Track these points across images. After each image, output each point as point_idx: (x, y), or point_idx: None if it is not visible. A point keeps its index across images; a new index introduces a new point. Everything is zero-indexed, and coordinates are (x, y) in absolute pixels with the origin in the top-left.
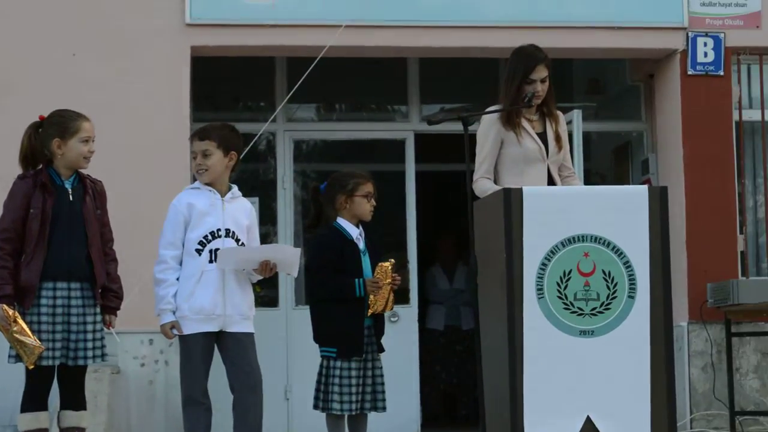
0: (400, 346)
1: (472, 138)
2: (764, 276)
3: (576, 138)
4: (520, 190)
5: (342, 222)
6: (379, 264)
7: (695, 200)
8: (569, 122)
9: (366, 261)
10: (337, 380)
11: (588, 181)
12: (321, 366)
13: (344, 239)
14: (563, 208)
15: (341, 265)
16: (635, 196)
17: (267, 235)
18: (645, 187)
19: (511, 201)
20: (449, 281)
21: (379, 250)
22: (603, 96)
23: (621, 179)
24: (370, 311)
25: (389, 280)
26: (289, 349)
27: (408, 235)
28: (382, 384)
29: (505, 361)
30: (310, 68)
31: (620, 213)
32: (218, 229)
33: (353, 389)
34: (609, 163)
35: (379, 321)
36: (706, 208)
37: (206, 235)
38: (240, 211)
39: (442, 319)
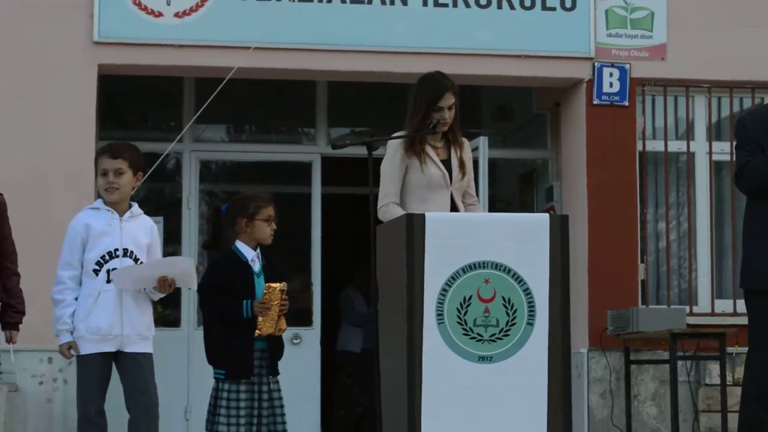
0: (302, 368)
1: (377, 163)
2: (664, 305)
3: (482, 165)
4: (423, 216)
5: (239, 244)
6: (267, 285)
7: (598, 228)
8: (475, 149)
9: (260, 283)
10: (224, 402)
11: (493, 207)
12: (213, 388)
13: (238, 261)
14: (465, 235)
15: (233, 287)
16: (537, 224)
17: (172, 255)
18: (546, 215)
19: (413, 227)
20: (367, 304)
21: (281, 273)
22: (510, 123)
23: (526, 206)
24: (257, 332)
25: (277, 302)
26: (191, 369)
27: (312, 257)
28: (281, 407)
29: (403, 386)
30: (218, 89)
31: (521, 240)
32: (116, 249)
33: (242, 412)
34: (514, 190)
35: (275, 343)
36: (608, 236)
37: (103, 255)
38: (140, 230)
39: (359, 342)
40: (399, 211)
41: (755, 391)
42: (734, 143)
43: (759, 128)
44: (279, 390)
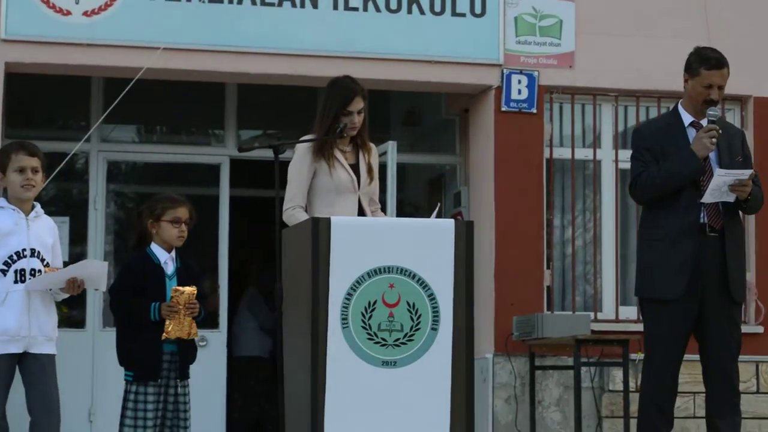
0: (207, 371)
1: (284, 166)
2: (569, 311)
3: (390, 169)
4: (328, 220)
5: (153, 246)
6: (174, 288)
7: (505, 234)
8: (384, 153)
9: (173, 286)
10: (131, 404)
11: (401, 212)
12: (124, 390)
13: (150, 263)
14: (370, 239)
15: (143, 289)
16: (442, 229)
17: (80, 255)
18: (452, 221)
19: (318, 231)
20: (271, 308)
21: (196, 276)
22: (419, 128)
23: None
24: (164, 336)
25: (184, 305)
26: (95, 370)
27: (220, 260)
28: (186, 411)
29: (307, 390)
30: (126, 89)
31: (426, 246)
32: (23, 249)
33: (149, 414)
34: (423, 194)
35: (186, 347)
36: (514, 242)
37: (11, 255)
38: (44, 230)
39: (269, 347)
40: (304, 216)
41: (652, 398)
42: (630, 153)
43: (654, 139)
44: (186, 394)
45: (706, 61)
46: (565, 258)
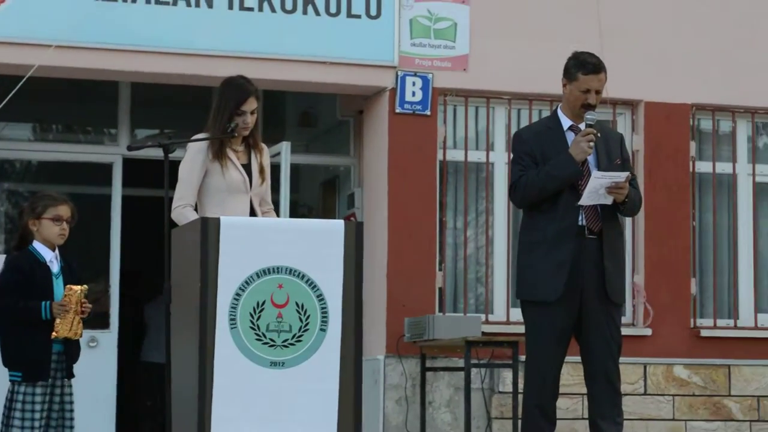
0: (97, 372)
1: (175, 165)
2: (461, 313)
3: (284, 170)
4: (218, 220)
5: (36, 245)
6: (68, 287)
7: (398, 236)
8: (278, 154)
9: (59, 284)
10: (19, 405)
11: (295, 213)
12: (8, 390)
13: (35, 262)
14: (260, 240)
15: (30, 288)
16: (331, 230)
17: None
18: (341, 221)
19: (207, 230)
20: None
21: (77, 276)
22: (314, 129)
23: (328, 212)
24: (53, 335)
25: (76, 305)
26: None
27: (111, 260)
28: (72, 411)
29: (194, 390)
30: (17, 87)
31: (316, 246)
32: None
33: (36, 415)
34: (317, 196)
35: (71, 347)
36: (407, 244)
37: None
38: None
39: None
40: (193, 215)
41: (534, 399)
42: (511, 157)
43: (534, 143)
44: (71, 394)
45: (583, 66)
46: (458, 260)
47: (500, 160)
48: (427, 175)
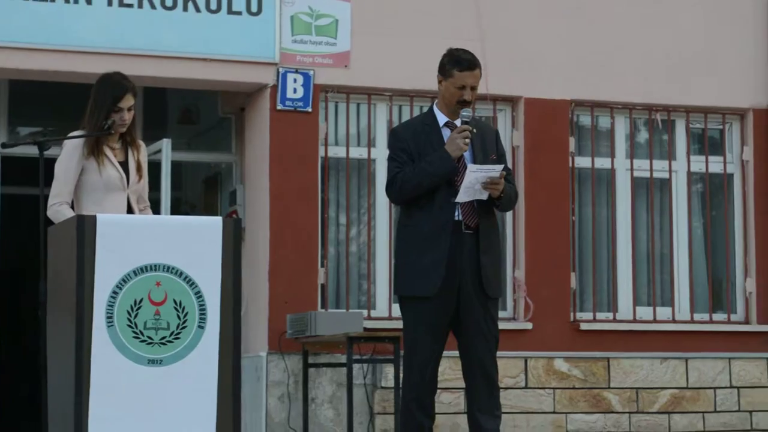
0: None
1: (51, 163)
2: (344, 309)
3: (165, 168)
4: (94, 217)
5: None
6: None
7: (280, 233)
8: (159, 151)
9: None
10: None
11: (177, 211)
12: None
13: None
14: (137, 237)
15: None
16: (209, 227)
17: None
18: (219, 218)
19: (84, 228)
20: None
21: None
22: (195, 126)
23: (210, 209)
24: None
25: None
26: None
27: None
28: None
29: (71, 388)
30: None
31: (193, 243)
32: None
33: None
34: (199, 193)
35: None
36: (289, 240)
37: None
38: None
39: None
40: (70, 212)
41: (412, 393)
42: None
43: (410, 139)
44: None
45: (458, 63)
46: (340, 256)
47: (382, 156)
48: (309, 172)
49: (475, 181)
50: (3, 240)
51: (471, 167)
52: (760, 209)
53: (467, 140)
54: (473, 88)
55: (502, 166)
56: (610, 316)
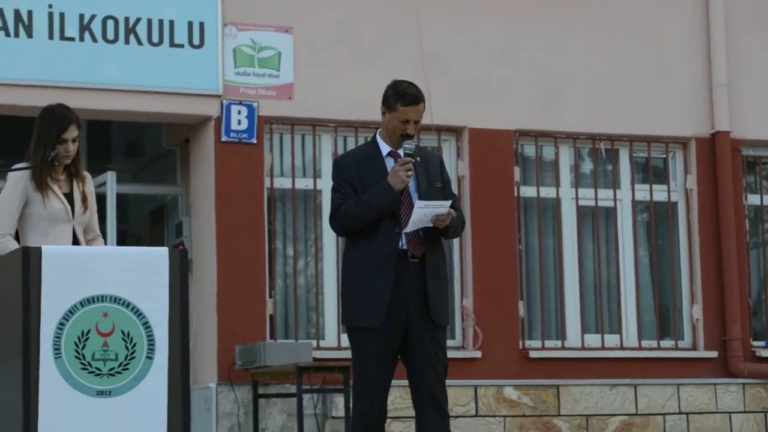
0: None
1: None
2: (292, 339)
3: (110, 200)
4: (39, 249)
5: None
6: None
7: (227, 264)
8: (103, 184)
9: None
10: None
11: (123, 243)
12: None
13: None
14: (83, 268)
15: None
16: (155, 258)
17: None
18: (165, 249)
19: (29, 260)
20: None
21: None
22: (140, 159)
23: (157, 242)
24: None
25: None
26: None
27: None
28: None
29: (19, 421)
30: None
31: (140, 274)
32: None
33: None
34: (146, 225)
35: None
36: (237, 271)
37: None
38: None
39: None
40: (14, 244)
41: (362, 423)
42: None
43: (353, 170)
44: None
45: (402, 98)
46: (288, 287)
47: (327, 187)
48: (255, 203)
49: (423, 216)
50: None
51: (419, 204)
52: (705, 237)
53: (410, 173)
54: (417, 122)
55: (449, 202)
56: (559, 343)
